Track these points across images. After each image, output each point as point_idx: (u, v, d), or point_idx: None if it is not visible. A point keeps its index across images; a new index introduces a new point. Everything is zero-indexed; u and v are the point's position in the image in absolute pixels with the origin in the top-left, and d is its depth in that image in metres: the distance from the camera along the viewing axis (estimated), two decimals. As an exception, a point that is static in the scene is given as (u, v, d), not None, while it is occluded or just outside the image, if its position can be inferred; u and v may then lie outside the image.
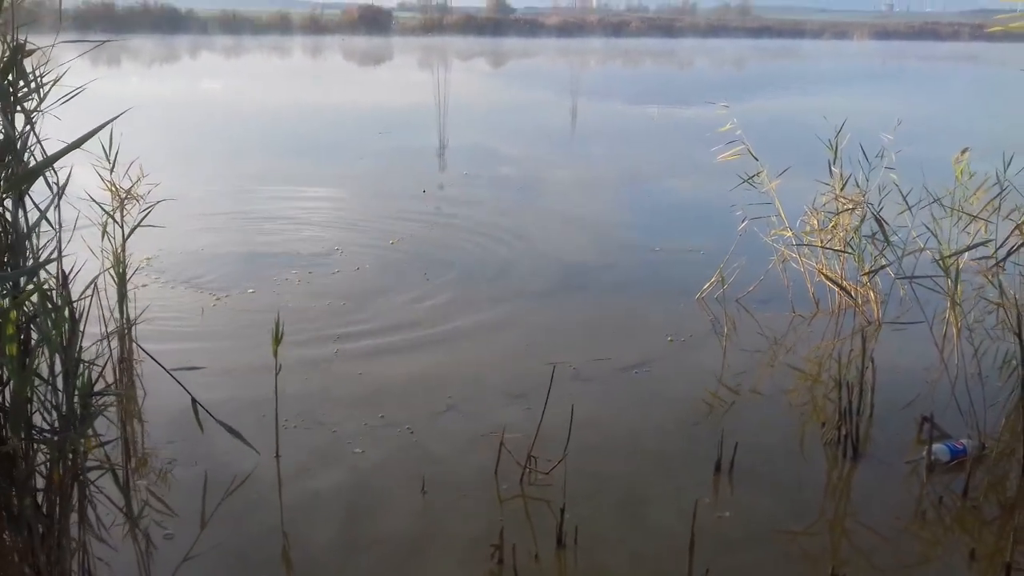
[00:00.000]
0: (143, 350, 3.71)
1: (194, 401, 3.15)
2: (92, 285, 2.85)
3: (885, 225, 4.63)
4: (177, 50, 56.09)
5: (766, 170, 6.10)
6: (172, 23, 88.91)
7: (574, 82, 35.73)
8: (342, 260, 6.92)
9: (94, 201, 4.59)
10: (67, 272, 2.71)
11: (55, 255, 2.60)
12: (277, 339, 3.51)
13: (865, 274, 5.41)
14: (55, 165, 2.56)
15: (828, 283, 5.55)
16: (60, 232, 2.64)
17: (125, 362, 4.26)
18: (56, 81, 2.83)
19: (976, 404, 4.14)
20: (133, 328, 4.70)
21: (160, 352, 3.67)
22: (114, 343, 4.20)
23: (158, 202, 4.95)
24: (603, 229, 8.32)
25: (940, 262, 4.37)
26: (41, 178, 2.56)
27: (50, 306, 2.48)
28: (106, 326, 4.32)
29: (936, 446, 3.90)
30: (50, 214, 2.73)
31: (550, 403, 3.86)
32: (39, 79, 2.75)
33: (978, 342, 4.66)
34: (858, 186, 5.63)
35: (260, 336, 4.62)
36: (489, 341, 5.33)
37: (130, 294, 4.90)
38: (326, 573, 3.11)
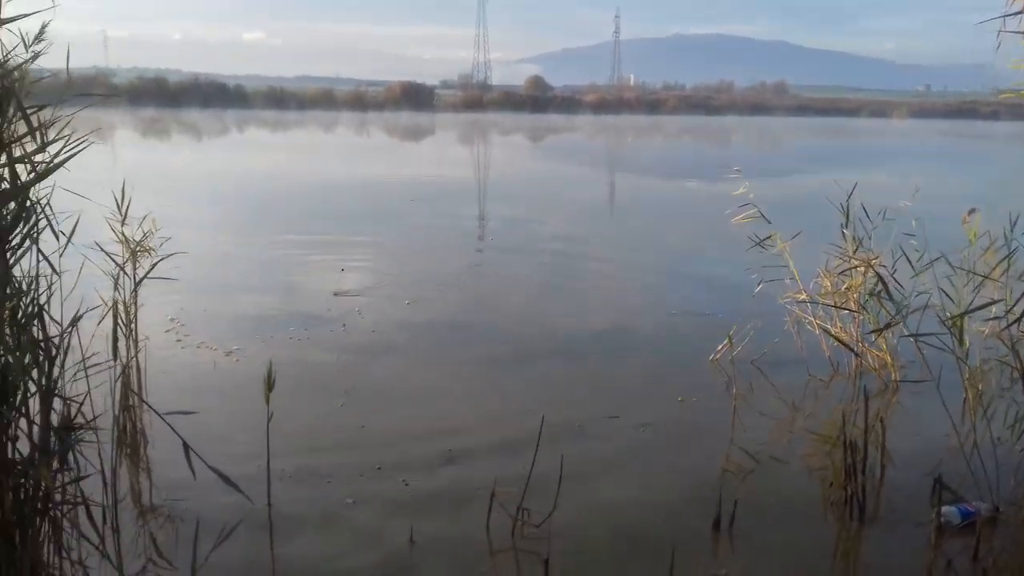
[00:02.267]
0: (135, 394, 3.74)
1: (186, 446, 3.16)
2: (72, 327, 2.88)
3: (889, 284, 4.56)
4: (226, 123, 57.93)
5: (779, 233, 6.09)
6: (221, 98, 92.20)
7: (612, 157, 36.15)
8: (360, 321, 6.98)
9: (106, 254, 4.74)
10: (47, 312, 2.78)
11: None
12: (269, 385, 3.53)
13: (872, 332, 5.32)
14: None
15: (838, 343, 5.46)
16: (61, 276, 2.73)
17: (128, 408, 4.28)
18: (69, 140, 2.94)
19: (988, 466, 4.01)
20: (134, 374, 4.75)
21: (166, 402, 3.70)
22: (117, 389, 4.25)
23: (171, 254, 5.08)
24: (624, 295, 8.32)
25: (946, 321, 4.28)
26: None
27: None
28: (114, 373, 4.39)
29: (946, 508, 3.78)
30: (55, 260, 2.85)
31: (558, 460, 3.81)
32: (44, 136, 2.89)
33: (991, 403, 4.52)
34: (861, 246, 5.58)
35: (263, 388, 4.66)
36: (496, 399, 5.31)
37: (151, 350, 4.96)
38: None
